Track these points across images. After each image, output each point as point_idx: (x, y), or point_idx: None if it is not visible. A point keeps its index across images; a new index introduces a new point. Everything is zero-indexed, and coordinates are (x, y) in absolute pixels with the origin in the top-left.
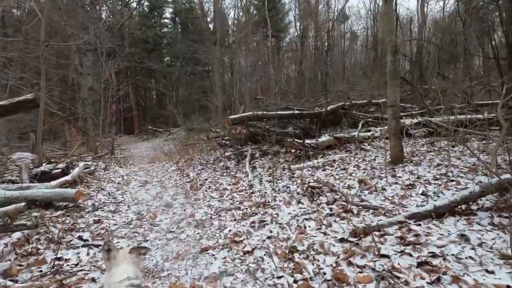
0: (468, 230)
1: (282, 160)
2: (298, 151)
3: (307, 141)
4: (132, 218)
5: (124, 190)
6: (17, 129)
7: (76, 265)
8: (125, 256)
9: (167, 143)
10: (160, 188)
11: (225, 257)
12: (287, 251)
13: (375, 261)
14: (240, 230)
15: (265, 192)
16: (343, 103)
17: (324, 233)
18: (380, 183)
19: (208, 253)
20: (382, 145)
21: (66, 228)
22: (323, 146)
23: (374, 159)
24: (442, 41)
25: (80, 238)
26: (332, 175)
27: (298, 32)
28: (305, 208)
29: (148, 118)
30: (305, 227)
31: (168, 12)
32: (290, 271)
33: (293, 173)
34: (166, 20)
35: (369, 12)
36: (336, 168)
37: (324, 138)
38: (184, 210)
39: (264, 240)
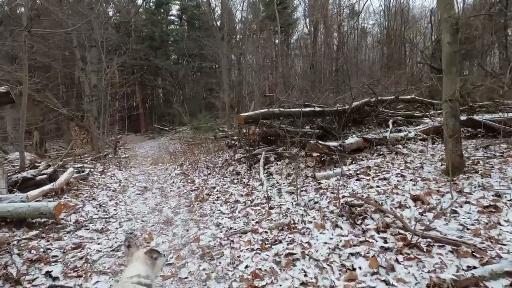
0: None
1: (302, 165)
2: (322, 155)
3: (331, 143)
4: (121, 242)
5: (118, 200)
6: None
7: None
8: (140, 255)
9: (173, 142)
10: (160, 197)
11: None
12: None
13: None
14: (260, 267)
15: (287, 208)
16: (368, 99)
17: (386, 283)
18: (444, 202)
19: None
20: (425, 148)
21: (34, 258)
22: (350, 149)
23: (421, 167)
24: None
25: (48, 274)
26: (371, 187)
27: (308, 27)
28: (345, 235)
29: (154, 117)
30: (354, 269)
31: (174, 9)
32: None
33: (319, 183)
34: (172, 17)
35: (382, 6)
36: (374, 177)
37: (352, 139)
38: (187, 230)
39: None
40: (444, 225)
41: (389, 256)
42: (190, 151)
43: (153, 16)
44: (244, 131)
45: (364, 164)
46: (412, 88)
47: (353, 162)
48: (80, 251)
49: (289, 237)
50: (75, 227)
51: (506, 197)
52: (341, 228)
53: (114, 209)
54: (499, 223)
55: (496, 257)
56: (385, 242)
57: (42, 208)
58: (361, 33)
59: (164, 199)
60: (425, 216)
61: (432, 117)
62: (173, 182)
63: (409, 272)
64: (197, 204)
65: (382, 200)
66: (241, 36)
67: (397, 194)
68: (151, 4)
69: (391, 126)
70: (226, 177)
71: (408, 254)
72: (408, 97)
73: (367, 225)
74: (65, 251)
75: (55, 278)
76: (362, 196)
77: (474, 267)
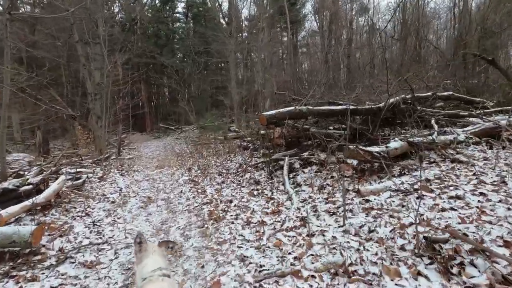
0: None
1: (335, 174)
2: (362, 163)
3: (372, 148)
4: (116, 282)
5: (116, 216)
6: (27, 125)
7: None
8: (155, 249)
9: (179, 141)
10: (166, 212)
11: None
12: None
13: None
14: None
15: (333, 237)
16: (403, 96)
17: None
18: None
19: None
20: (486, 155)
21: None
22: (395, 155)
23: (503, 181)
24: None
25: None
26: (444, 209)
27: (318, 23)
28: None
29: (160, 116)
30: None
31: (180, 7)
32: None
33: (366, 200)
34: (178, 15)
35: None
36: (441, 195)
37: (395, 143)
38: (202, 266)
39: None
40: None
41: None
42: (198, 152)
43: (159, 13)
44: (263, 132)
45: (419, 175)
46: (448, 84)
47: (403, 173)
48: None
49: None
50: (57, 260)
51: None
52: (428, 279)
53: (111, 230)
54: None
55: None
56: None
57: (15, 235)
58: (371, 29)
59: (171, 215)
60: None
61: (483, 117)
62: (181, 191)
63: None
64: (212, 224)
65: (472, 232)
66: (249, 32)
67: (490, 223)
68: (156, 1)
69: (435, 127)
70: (243, 186)
71: None
72: (446, 93)
73: (471, 277)
74: None
75: None
76: (439, 224)
77: None
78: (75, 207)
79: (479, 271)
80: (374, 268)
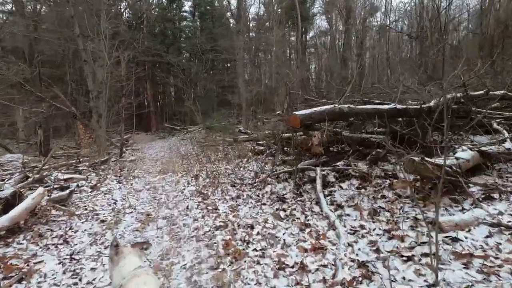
0: None
1: (388, 193)
2: (424, 179)
3: (437, 159)
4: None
5: (104, 244)
6: (32, 123)
7: None
8: (130, 250)
9: (184, 142)
10: (168, 238)
11: None
12: None
13: None
14: None
15: None
16: (453, 95)
17: None
18: None
19: None
20: None
21: None
22: (466, 168)
23: None
24: None
25: None
26: None
27: (328, 21)
28: None
29: (165, 115)
30: None
31: (187, 6)
32: None
33: (454, 238)
34: (185, 13)
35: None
36: None
37: (465, 153)
38: None
39: None
40: None
41: None
42: (205, 155)
43: (165, 12)
44: (286, 135)
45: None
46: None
47: (489, 195)
48: None
49: None
50: None
51: None
52: None
53: (92, 268)
54: None
55: None
56: None
57: None
58: (381, 29)
59: (174, 244)
60: None
61: None
62: (187, 207)
63: None
64: (230, 264)
65: None
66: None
67: None
68: (163, 0)
69: (505, 133)
70: (265, 204)
71: None
72: (499, 92)
73: None
74: None
75: None
76: None
77: None
78: (52, 230)
79: None
80: None
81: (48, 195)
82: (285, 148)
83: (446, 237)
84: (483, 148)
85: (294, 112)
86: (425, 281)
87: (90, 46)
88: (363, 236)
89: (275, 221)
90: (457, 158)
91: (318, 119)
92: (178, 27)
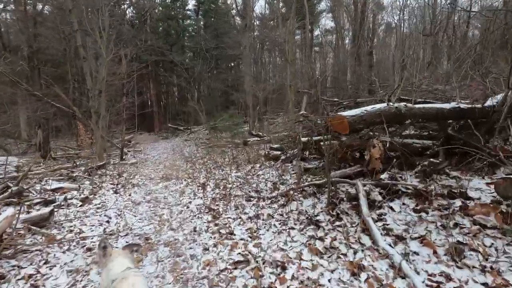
0: None
1: (463, 220)
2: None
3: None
4: None
5: None
6: (33, 123)
7: None
8: (120, 252)
9: (188, 143)
10: (172, 279)
11: None
12: None
13: None
14: None
15: None
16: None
17: None
18: None
19: None
20: None
21: None
22: None
23: None
24: None
25: None
26: None
27: (333, 19)
28: None
29: (168, 115)
30: None
31: (191, 4)
32: None
33: None
34: (188, 12)
35: None
36: None
37: None
38: None
39: None
40: None
41: None
42: (210, 158)
43: (169, 10)
44: (304, 139)
45: None
46: None
47: None
48: None
49: None
50: None
51: None
52: None
53: None
54: None
55: None
56: None
57: None
58: (386, 28)
59: None
60: None
61: None
62: (195, 229)
63: None
64: None
65: None
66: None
67: None
68: None
69: None
70: (293, 228)
71: None
72: None
73: None
74: None
75: None
76: None
77: None
78: (20, 267)
79: None
80: None
81: (27, 212)
82: (308, 154)
83: None
84: None
85: (339, 113)
86: None
87: (89, 42)
88: None
89: (313, 258)
90: None
91: (371, 122)
92: (182, 25)
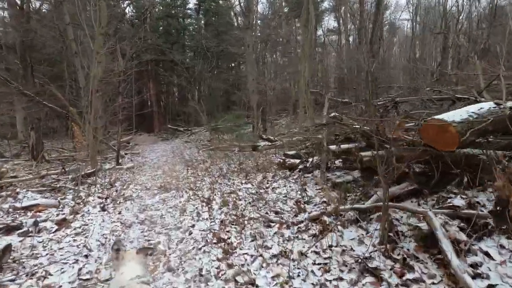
0: None
1: None
2: None
3: None
4: None
5: None
6: (29, 124)
7: None
8: (133, 256)
9: (188, 145)
10: None
11: None
12: None
13: None
14: None
15: None
16: None
17: None
18: None
19: None
20: None
21: None
22: None
23: None
24: None
25: None
26: None
27: (335, 19)
28: None
29: (168, 116)
30: None
31: (192, 3)
32: None
33: None
34: (189, 11)
35: None
36: None
37: None
38: None
39: None
40: None
41: None
42: (213, 163)
43: (169, 8)
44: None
45: None
46: None
47: None
48: None
49: None
50: None
51: None
52: None
53: None
54: None
55: None
56: None
57: None
58: (390, 28)
59: None
60: None
61: None
62: (201, 273)
63: None
64: None
65: None
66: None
67: None
68: None
69: None
70: (341, 278)
71: None
72: None
73: None
74: None
75: None
76: None
77: None
78: None
79: None
80: None
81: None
82: (331, 163)
83: None
84: None
85: (435, 117)
86: None
87: (81, 36)
88: None
89: None
90: None
91: (483, 130)
92: (182, 24)
